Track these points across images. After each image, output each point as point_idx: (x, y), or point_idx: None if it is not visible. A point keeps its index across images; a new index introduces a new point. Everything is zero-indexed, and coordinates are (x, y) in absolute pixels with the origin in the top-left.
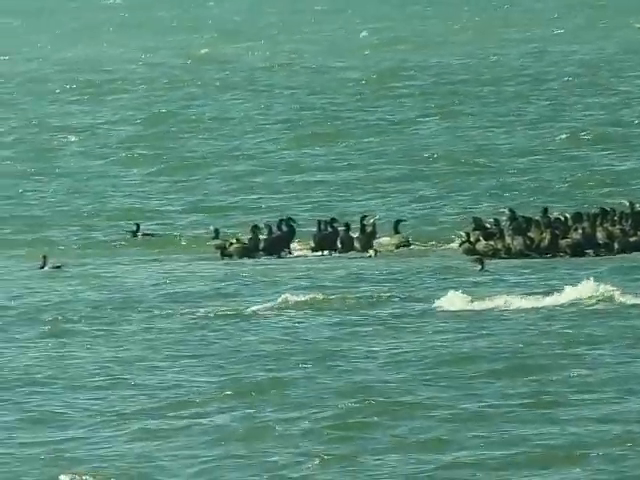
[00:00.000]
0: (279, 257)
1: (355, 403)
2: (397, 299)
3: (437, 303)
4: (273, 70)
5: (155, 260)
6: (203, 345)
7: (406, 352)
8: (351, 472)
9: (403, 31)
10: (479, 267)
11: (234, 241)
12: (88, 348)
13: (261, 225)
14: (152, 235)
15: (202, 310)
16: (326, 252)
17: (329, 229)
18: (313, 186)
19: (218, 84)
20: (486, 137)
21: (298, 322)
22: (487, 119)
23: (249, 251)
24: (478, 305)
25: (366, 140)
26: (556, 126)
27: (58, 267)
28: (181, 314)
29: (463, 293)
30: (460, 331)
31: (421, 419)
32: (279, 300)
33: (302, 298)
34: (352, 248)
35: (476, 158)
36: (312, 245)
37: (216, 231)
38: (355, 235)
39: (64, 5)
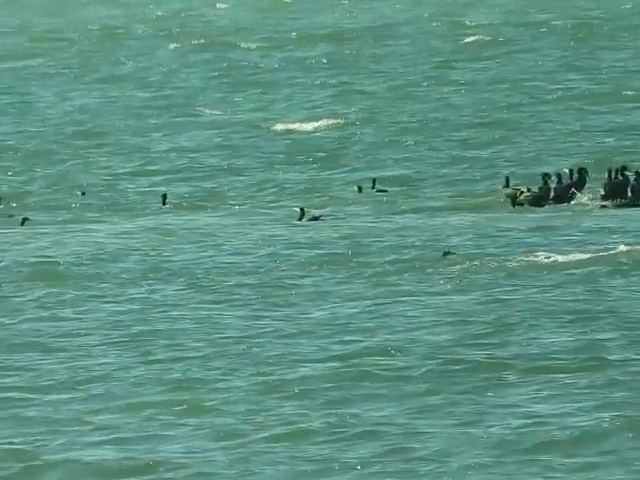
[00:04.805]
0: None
1: None
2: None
3: None
4: None
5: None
6: None
7: None
8: None
9: None
10: None
11: (525, 190)
12: None
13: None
14: (385, 191)
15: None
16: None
17: (620, 177)
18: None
19: None
20: None
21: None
22: None
23: (540, 200)
24: None
25: None
26: None
27: (316, 219)
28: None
29: None
30: None
31: None
32: None
33: None
34: None
35: None
36: (602, 194)
37: (507, 179)
38: None
39: None
